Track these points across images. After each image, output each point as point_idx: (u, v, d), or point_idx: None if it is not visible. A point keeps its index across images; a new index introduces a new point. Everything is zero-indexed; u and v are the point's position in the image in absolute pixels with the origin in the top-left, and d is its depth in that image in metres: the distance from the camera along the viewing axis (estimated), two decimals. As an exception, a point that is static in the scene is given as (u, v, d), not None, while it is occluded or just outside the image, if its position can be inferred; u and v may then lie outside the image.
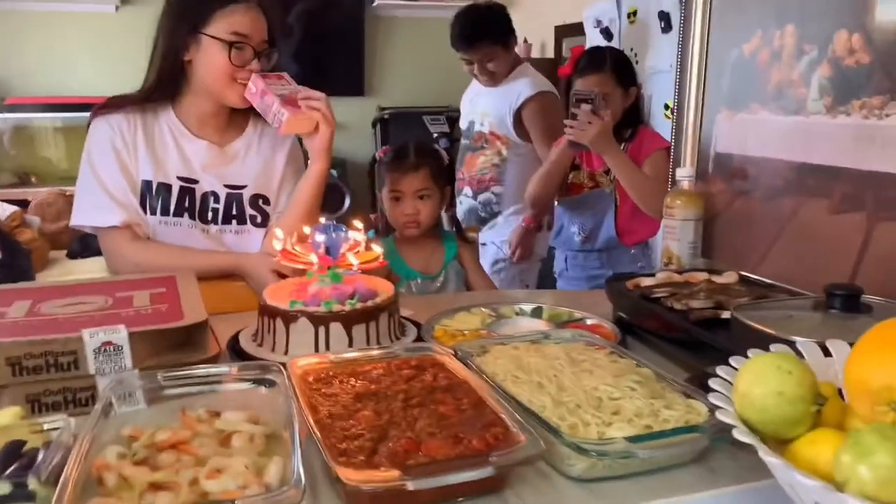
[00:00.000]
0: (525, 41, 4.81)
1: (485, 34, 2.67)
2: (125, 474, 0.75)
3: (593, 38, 3.56)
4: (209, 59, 1.50)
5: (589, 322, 1.32)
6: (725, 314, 1.11)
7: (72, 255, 3.70)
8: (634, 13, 3.30)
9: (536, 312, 1.39)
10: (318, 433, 0.79)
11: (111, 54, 4.45)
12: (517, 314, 1.39)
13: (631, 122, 2.22)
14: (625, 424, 0.84)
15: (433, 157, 1.87)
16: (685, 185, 1.58)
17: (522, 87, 2.72)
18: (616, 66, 2.18)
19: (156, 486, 0.74)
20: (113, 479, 0.74)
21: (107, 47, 4.48)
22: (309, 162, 1.59)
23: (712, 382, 0.75)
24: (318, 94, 1.53)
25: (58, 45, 4.54)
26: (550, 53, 4.68)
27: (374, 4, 4.91)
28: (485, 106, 2.83)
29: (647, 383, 0.93)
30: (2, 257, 3.21)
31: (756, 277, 1.33)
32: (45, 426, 0.82)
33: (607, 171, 2.23)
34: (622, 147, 2.16)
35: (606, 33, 3.48)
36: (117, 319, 1.02)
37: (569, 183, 2.34)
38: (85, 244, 3.56)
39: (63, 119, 4.33)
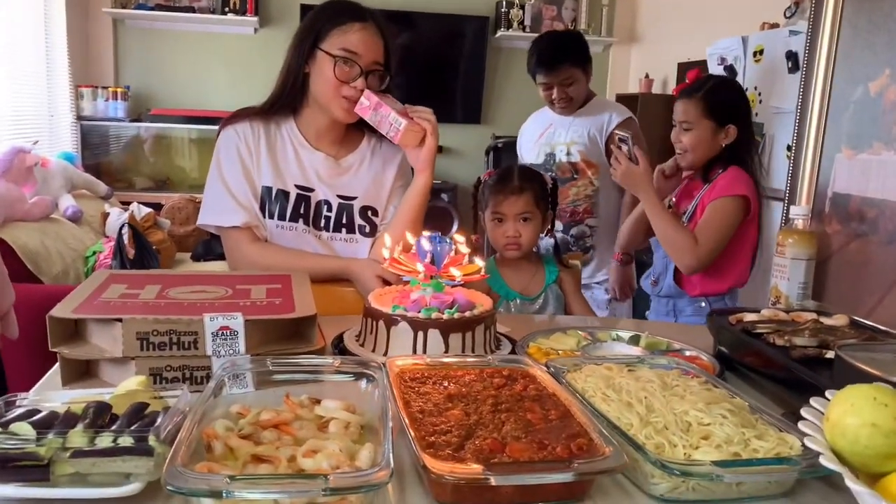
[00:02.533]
0: (647, 76, 4.79)
1: (566, 57, 2.68)
2: (231, 445, 0.82)
3: (716, 76, 3.51)
4: (320, 73, 1.60)
5: (688, 353, 1.30)
6: (829, 354, 1.08)
7: (196, 258, 3.95)
8: (761, 51, 3.23)
9: (634, 340, 1.39)
10: (409, 425, 0.83)
11: (248, 73, 4.76)
12: (614, 339, 1.39)
13: (726, 160, 2.06)
14: (712, 449, 0.83)
15: (536, 181, 1.90)
16: (799, 223, 1.54)
17: (612, 111, 2.72)
18: (709, 96, 2.05)
19: (257, 459, 0.80)
20: (220, 448, 0.81)
21: (244, 66, 4.79)
22: (414, 174, 1.66)
23: (804, 411, 0.74)
24: (424, 108, 1.61)
25: (200, 63, 4.89)
26: (671, 90, 4.63)
27: (497, 35, 5.02)
28: (568, 135, 2.80)
29: (739, 413, 0.92)
30: (134, 255, 3.47)
31: (868, 322, 1.28)
32: (165, 395, 0.90)
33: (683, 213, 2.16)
34: (705, 185, 2.07)
35: (730, 71, 3.42)
36: (235, 308, 1.10)
37: None
38: (208, 248, 3.79)
39: (198, 131, 4.64)
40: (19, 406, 0.84)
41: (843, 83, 1.56)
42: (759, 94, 3.17)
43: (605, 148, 2.72)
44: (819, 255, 1.53)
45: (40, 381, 1.09)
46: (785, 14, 3.09)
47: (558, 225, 2.81)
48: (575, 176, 2.79)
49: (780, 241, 1.54)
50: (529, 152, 2.94)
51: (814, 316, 1.30)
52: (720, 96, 2.06)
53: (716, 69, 3.50)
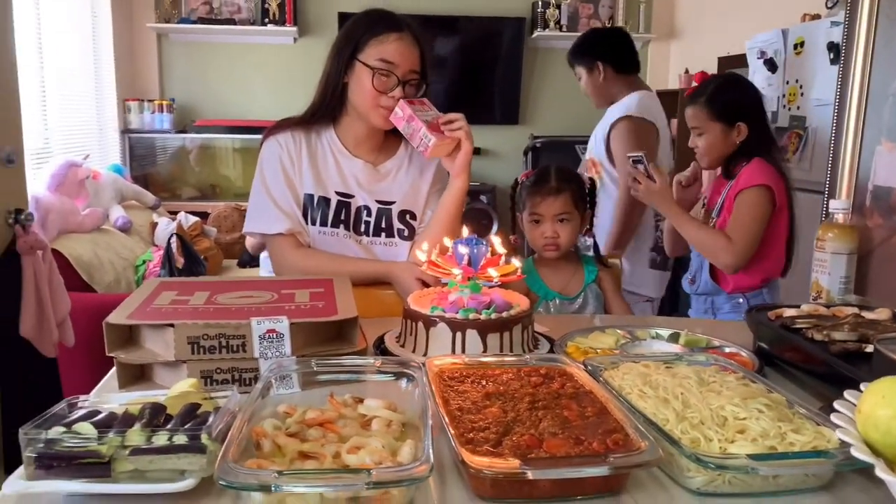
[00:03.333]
0: (686, 72, 4.75)
1: (571, 54, 2.83)
2: (279, 442, 0.86)
3: (756, 70, 3.47)
4: (358, 83, 1.64)
5: (727, 350, 1.30)
6: (869, 348, 1.07)
7: (242, 265, 4.05)
8: (801, 44, 3.18)
9: (673, 337, 1.39)
10: (448, 422, 0.86)
11: (288, 82, 4.85)
12: (653, 337, 1.39)
13: (744, 154, 2.07)
14: (748, 443, 0.84)
15: (574, 182, 1.90)
16: (839, 217, 1.53)
17: (616, 109, 2.69)
18: (713, 99, 2.06)
19: (303, 455, 0.83)
20: (268, 445, 0.85)
21: (285, 76, 4.88)
22: (450, 179, 1.69)
23: (837, 403, 0.75)
24: (457, 115, 1.64)
25: (242, 73, 4.99)
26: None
27: (534, 36, 5.02)
28: (595, 134, 2.83)
29: (776, 407, 0.92)
30: (184, 263, 3.57)
31: (912, 316, 1.27)
32: (215, 396, 0.94)
33: (710, 213, 2.15)
34: (729, 182, 2.07)
35: (770, 64, 3.38)
36: (281, 311, 1.14)
37: None
38: (254, 255, 3.87)
39: (242, 140, 4.74)
40: (81, 408, 0.89)
41: (882, 74, 1.54)
42: (801, 87, 3.13)
43: (605, 147, 2.70)
44: (861, 248, 1.52)
45: (99, 384, 1.15)
46: (826, 4, 3.05)
47: None
48: (586, 173, 2.75)
49: (819, 236, 1.53)
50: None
51: (855, 310, 1.29)
52: (724, 97, 2.07)
53: (755, 63, 3.46)
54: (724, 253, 1.96)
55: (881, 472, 0.61)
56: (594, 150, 2.78)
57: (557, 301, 1.88)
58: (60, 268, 2.45)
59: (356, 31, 1.65)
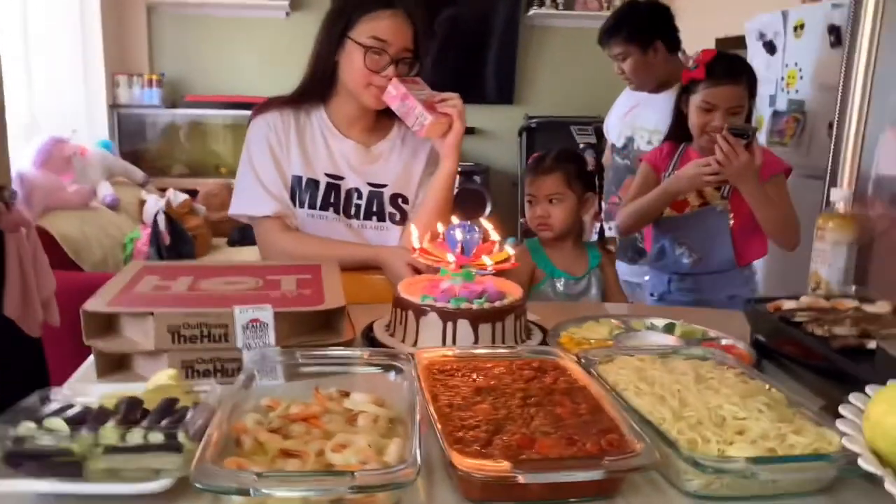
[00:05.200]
0: (684, 53, 4.69)
1: (618, 30, 2.50)
2: (260, 439, 0.82)
3: (755, 52, 3.41)
4: (349, 62, 1.59)
5: (724, 342, 1.27)
6: (871, 344, 1.04)
7: (232, 243, 4.01)
8: (801, 26, 3.13)
9: (669, 328, 1.36)
10: (436, 420, 0.83)
11: (280, 57, 4.76)
12: (648, 328, 1.37)
13: None
14: (747, 445, 0.81)
15: (571, 162, 1.88)
16: (840, 206, 1.49)
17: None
18: (751, 79, 1.98)
19: (286, 453, 0.80)
20: (249, 442, 0.82)
21: (276, 51, 4.79)
22: (441, 160, 1.65)
23: (843, 408, 0.72)
24: (451, 94, 1.59)
25: (233, 48, 4.91)
26: (707, 66, 4.52)
27: (529, 14, 4.95)
28: (649, 120, 2.54)
29: (776, 407, 0.89)
30: (169, 242, 3.53)
31: (913, 310, 1.24)
32: (196, 389, 0.90)
33: (718, 188, 2.04)
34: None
35: (769, 47, 3.33)
36: (265, 299, 1.10)
37: None
38: (243, 234, 3.84)
39: (233, 117, 4.67)
40: (53, 400, 0.85)
41: (889, 58, 1.50)
42: (800, 71, 3.08)
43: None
44: (861, 239, 1.48)
45: (75, 374, 1.11)
46: (828, -14, 2.99)
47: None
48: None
49: (820, 225, 1.50)
50: (614, 129, 2.73)
51: (855, 303, 1.26)
52: (754, 77, 2.00)
53: (754, 45, 3.41)
54: (796, 230, 1.91)
55: (890, 485, 0.58)
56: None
57: (563, 280, 1.86)
58: (46, 246, 2.40)
59: (347, 8, 1.59)
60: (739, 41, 3.61)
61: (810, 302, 1.28)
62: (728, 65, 1.93)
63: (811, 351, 1.10)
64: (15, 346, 2.19)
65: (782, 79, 3.23)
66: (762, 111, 3.35)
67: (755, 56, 3.39)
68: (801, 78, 3.08)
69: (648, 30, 2.50)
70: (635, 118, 2.63)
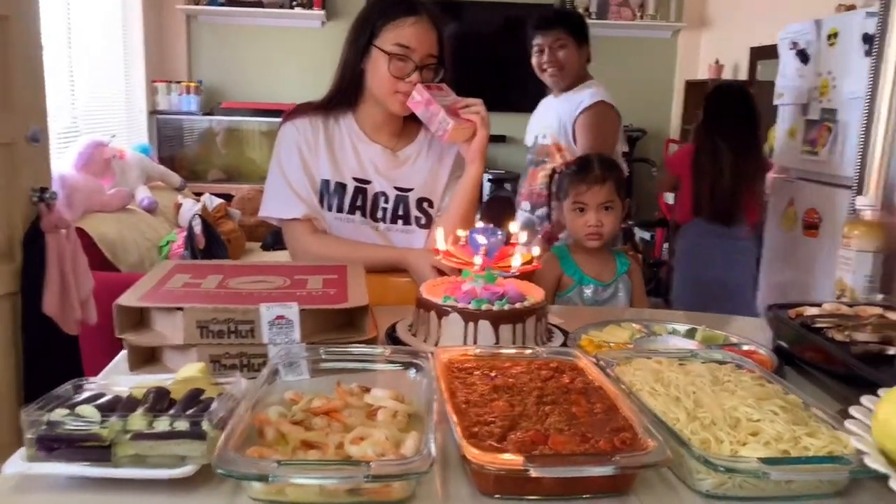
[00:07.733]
0: (717, 62, 4.66)
1: (561, 21, 2.75)
2: (283, 430, 0.85)
3: (788, 61, 3.39)
4: (375, 69, 1.62)
5: (745, 347, 1.27)
6: (892, 350, 1.04)
7: (265, 248, 4.06)
8: (835, 35, 3.10)
9: (690, 333, 1.36)
10: (453, 415, 0.85)
11: (315, 66, 4.83)
12: (669, 333, 1.37)
13: None
14: (760, 446, 0.82)
15: (616, 170, 1.91)
16: (866, 214, 1.48)
17: (585, 95, 2.65)
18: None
19: (307, 444, 0.83)
20: (272, 433, 0.84)
21: (312, 59, 4.87)
22: (466, 165, 1.67)
23: (853, 409, 0.72)
24: (475, 100, 1.61)
25: (270, 56, 5.00)
26: (743, 75, 4.50)
27: (561, 23, 4.96)
28: (550, 118, 2.77)
29: (791, 410, 0.90)
30: (204, 246, 3.59)
31: (939, 318, 1.22)
32: (221, 381, 0.93)
33: None
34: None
35: (802, 55, 3.31)
36: (291, 297, 1.13)
37: None
38: (277, 238, 3.89)
39: (268, 123, 4.75)
40: (87, 390, 0.89)
41: (919, 66, 1.49)
42: (833, 80, 3.06)
43: (572, 132, 2.65)
44: (888, 247, 1.47)
45: (108, 366, 1.15)
46: (862, -6, 2.97)
47: (526, 205, 2.79)
48: (546, 159, 2.73)
49: (845, 233, 1.49)
50: (528, 136, 2.93)
51: (879, 311, 1.25)
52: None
53: (787, 54, 3.39)
54: None
55: (895, 482, 0.58)
56: (558, 134, 2.71)
57: (592, 286, 1.87)
58: (85, 247, 2.47)
59: (372, 16, 1.63)
60: (773, 50, 3.59)
61: (832, 308, 1.27)
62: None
63: (831, 356, 1.10)
64: (52, 343, 2.25)
65: (815, 88, 3.21)
66: (795, 120, 3.33)
67: (788, 64, 3.37)
68: (835, 87, 3.05)
69: (584, 30, 2.76)
70: (542, 119, 2.88)
